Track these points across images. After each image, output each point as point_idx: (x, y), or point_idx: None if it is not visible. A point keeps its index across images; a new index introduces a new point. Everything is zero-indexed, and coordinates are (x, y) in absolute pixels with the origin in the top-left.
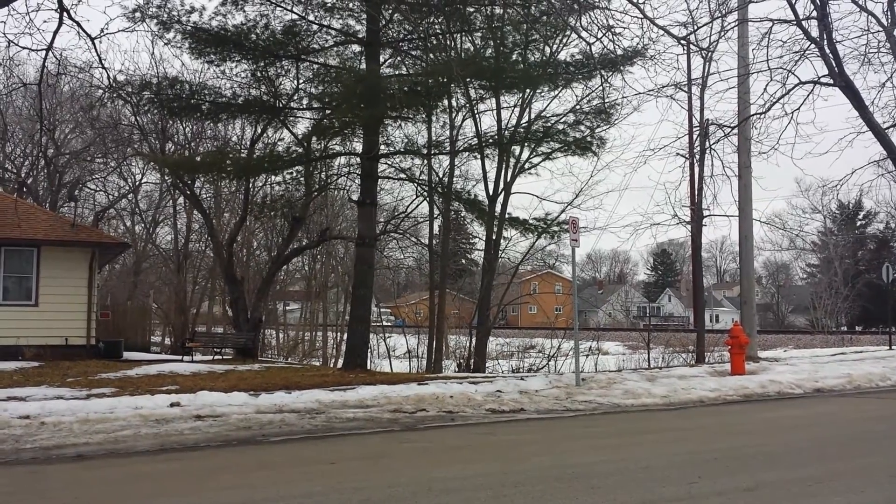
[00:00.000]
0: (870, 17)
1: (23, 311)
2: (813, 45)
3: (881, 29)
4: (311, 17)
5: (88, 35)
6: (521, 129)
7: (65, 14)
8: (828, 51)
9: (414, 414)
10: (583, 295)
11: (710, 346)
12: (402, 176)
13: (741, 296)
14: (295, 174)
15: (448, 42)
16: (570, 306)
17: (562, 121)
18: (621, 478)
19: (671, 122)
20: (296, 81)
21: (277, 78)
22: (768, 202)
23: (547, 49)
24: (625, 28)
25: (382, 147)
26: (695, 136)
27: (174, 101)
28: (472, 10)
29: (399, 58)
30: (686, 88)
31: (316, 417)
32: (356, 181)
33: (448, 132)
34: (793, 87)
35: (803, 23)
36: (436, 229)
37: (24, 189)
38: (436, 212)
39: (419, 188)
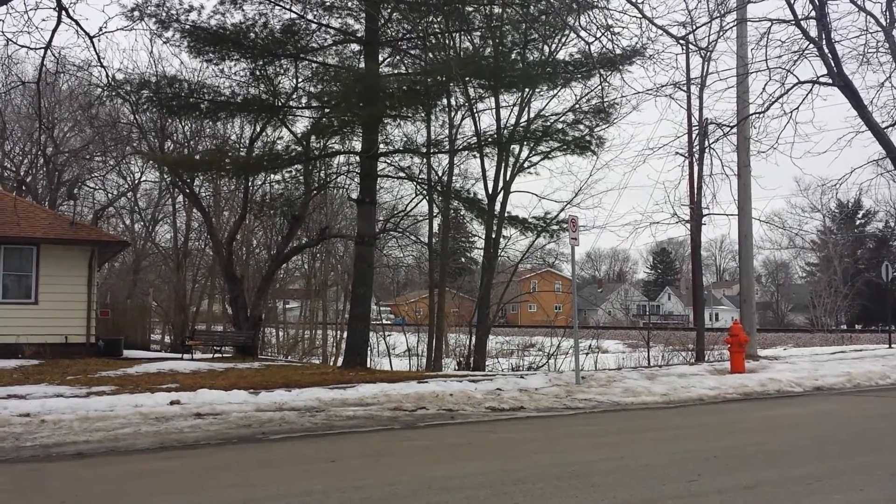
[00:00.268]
0: (868, 17)
1: (22, 310)
2: (812, 45)
3: (880, 29)
4: (309, 16)
5: (87, 33)
6: (521, 128)
7: (63, 12)
8: (826, 51)
9: (414, 412)
10: (582, 293)
11: (710, 344)
12: (402, 175)
13: (741, 294)
14: (294, 173)
15: (447, 41)
16: (569, 305)
17: (561, 120)
18: (621, 476)
19: (670, 122)
20: (295, 80)
21: (276, 77)
22: (768, 201)
23: (546, 48)
24: (623, 28)
25: (382, 146)
26: (694, 136)
27: (173, 100)
28: (470, 9)
29: (398, 57)
30: (685, 88)
31: (316, 415)
32: (355, 180)
33: (447, 131)
34: (792, 87)
35: (802, 23)
36: (435, 228)
37: (24, 187)
38: (435, 210)
39: (418, 187)
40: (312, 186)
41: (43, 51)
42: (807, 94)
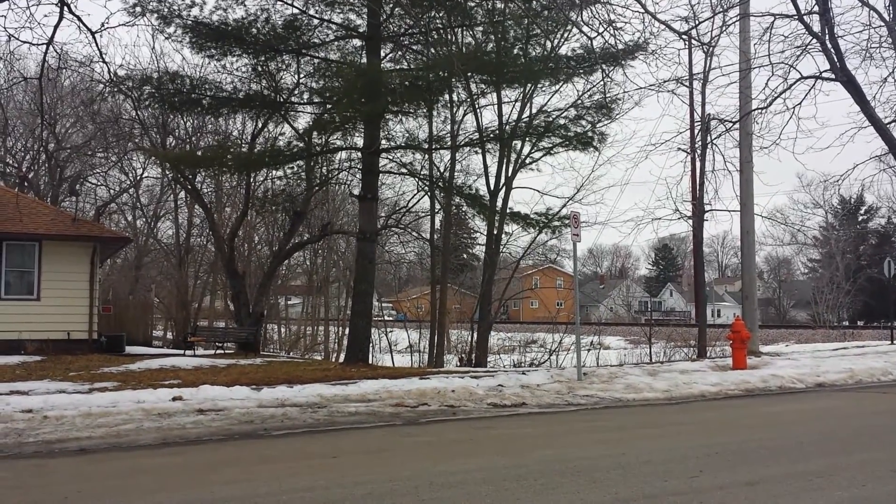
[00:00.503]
0: (871, 11)
1: (25, 306)
2: (814, 40)
3: (883, 24)
4: (311, 12)
5: (89, 29)
6: (523, 124)
7: (65, 8)
8: (829, 46)
9: (416, 408)
10: (584, 289)
11: (712, 340)
12: (404, 170)
13: (743, 290)
14: (296, 169)
15: (449, 36)
16: (571, 301)
17: (563, 115)
18: (623, 472)
19: (672, 117)
20: (297, 76)
21: (278, 72)
22: (770, 197)
23: (548, 44)
24: (626, 23)
25: (383, 142)
26: (696, 131)
27: (175, 96)
28: (473, 4)
29: (400, 52)
30: (687, 83)
31: (318, 412)
32: (357, 176)
33: (449, 127)
34: (794, 82)
35: (805, 17)
36: (437, 224)
37: (26, 183)
38: (437, 206)
39: (420, 183)
40: (314, 182)
41: (45, 46)
42: (809, 90)
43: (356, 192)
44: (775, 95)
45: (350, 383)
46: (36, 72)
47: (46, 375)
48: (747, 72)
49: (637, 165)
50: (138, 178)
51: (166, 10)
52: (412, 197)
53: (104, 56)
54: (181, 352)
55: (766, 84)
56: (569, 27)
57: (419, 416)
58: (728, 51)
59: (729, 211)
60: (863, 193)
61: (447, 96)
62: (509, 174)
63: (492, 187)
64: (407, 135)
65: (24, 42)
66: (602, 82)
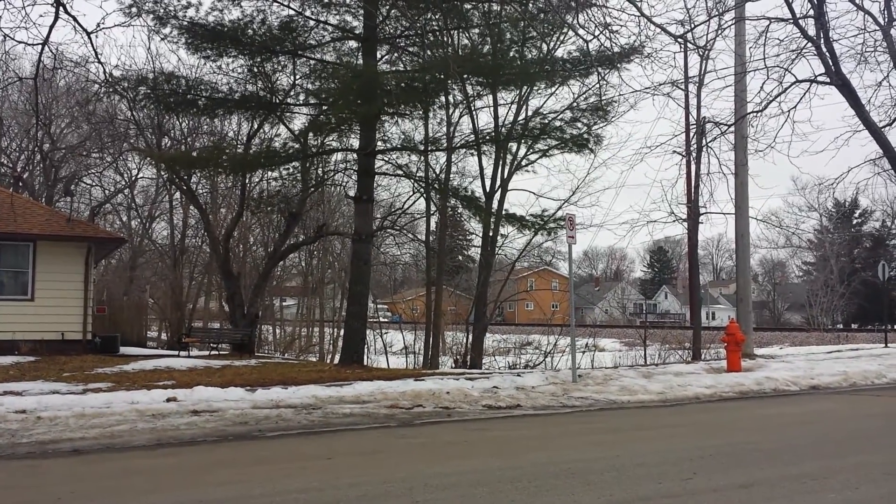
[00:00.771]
0: (867, 15)
1: (19, 306)
2: (810, 44)
3: (878, 28)
4: (307, 13)
5: (84, 29)
6: (518, 126)
7: (61, 8)
8: (824, 49)
9: (410, 410)
10: (579, 292)
11: (707, 343)
12: (399, 172)
13: (737, 293)
14: (291, 170)
15: (445, 38)
16: (566, 303)
17: (559, 118)
18: (617, 474)
19: (668, 120)
20: (292, 77)
21: (274, 74)
22: (765, 200)
23: (544, 46)
24: (622, 26)
25: (379, 143)
26: (691, 134)
27: (170, 97)
28: (469, 6)
29: (396, 54)
30: (683, 86)
31: (312, 413)
32: (353, 177)
33: (445, 129)
34: (789, 86)
35: (800, 21)
36: (433, 226)
37: (20, 184)
38: (433, 208)
39: (416, 185)
40: (310, 184)
41: (40, 47)
42: (804, 93)
43: (352, 193)
44: (770, 99)
45: (345, 385)
46: (31, 72)
47: (40, 376)
48: (742, 75)
49: (632, 168)
50: (133, 178)
51: (162, 10)
52: (408, 199)
53: (100, 56)
54: (176, 353)
55: (762, 87)
56: (565, 30)
57: (414, 418)
58: (723, 54)
59: (724, 214)
60: (857, 197)
61: (443, 98)
62: (505, 176)
63: (487, 189)
64: (403, 136)
65: (20, 42)
66: (598, 85)
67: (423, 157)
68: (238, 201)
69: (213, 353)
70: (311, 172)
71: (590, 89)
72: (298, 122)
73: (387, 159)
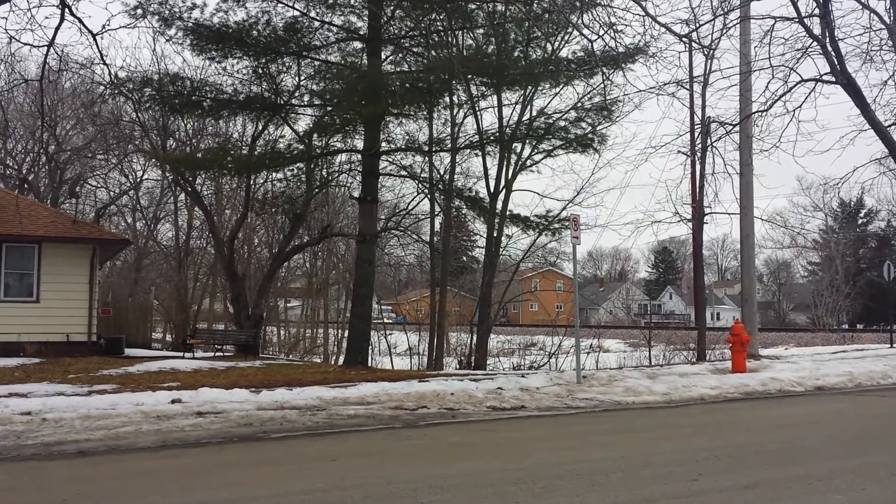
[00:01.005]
0: (872, 14)
1: (24, 308)
2: (815, 43)
3: (883, 27)
4: (312, 14)
5: (90, 31)
6: (523, 127)
7: (66, 10)
8: (830, 48)
9: (415, 411)
10: (584, 292)
11: (711, 343)
12: (404, 173)
13: (742, 293)
14: (296, 171)
15: (450, 39)
16: (571, 304)
17: (563, 118)
18: (622, 475)
19: (673, 120)
20: (297, 78)
21: (279, 75)
22: (770, 200)
23: (549, 46)
24: (627, 25)
25: (384, 144)
26: (696, 134)
27: (175, 98)
28: (473, 6)
29: (401, 54)
30: (688, 86)
31: (317, 414)
32: (357, 178)
33: (449, 129)
34: (795, 85)
35: (805, 20)
36: (437, 226)
37: (26, 185)
38: (437, 209)
39: (420, 185)
40: (314, 185)
41: (46, 48)
42: (810, 93)
43: (356, 194)
44: (775, 98)
45: (349, 386)
46: (36, 74)
47: (45, 378)
48: (748, 74)
49: (637, 168)
50: (138, 180)
51: (167, 12)
52: (412, 199)
53: (105, 58)
54: (180, 354)
55: (767, 87)
56: (569, 30)
57: (418, 419)
58: (728, 54)
59: (729, 214)
60: (863, 196)
61: (447, 98)
62: (509, 176)
63: (492, 190)
64: (407, 137)
65: (25, 44)
66: (602, 85)
67: (427, 158)
68: (243, 202)
69: (217, 354)
70: (315, 173)
71: (594, 89)
72: (303, 124)
73: (391, 160)
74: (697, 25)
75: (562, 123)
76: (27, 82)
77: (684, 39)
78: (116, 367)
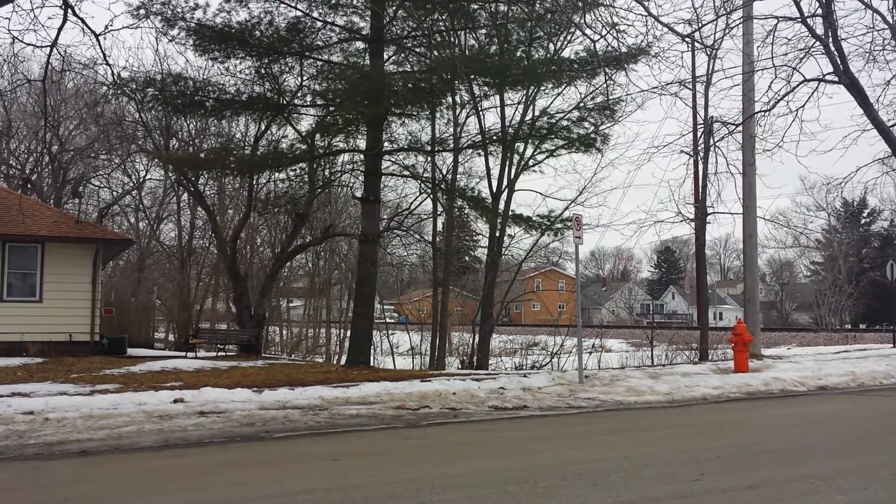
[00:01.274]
0: (875, 14)
1: (27, 308)
2: (818, 43)
3: (886, 27)
4: (315, 14)
5: (93, 32)
6: (525, 127)
7: (69, 11)
8: (833, 48)
9: (417, 411)
10: (586, 292)
11: (714, 343)
12: (406, 173)
13: (745, 293)
14: (299, 171)
15: (452, 39)
16: (573, 303)
17: (566, 118)
18: (624, 475)
19: (675, 120)
20: (300, 78)
21: (281, 75)
22: (772, 200)
23: (551, 46)
24: (629, 25)
25: (386, 144)
26: (699, 134)
27: (178, 98)
28: (476, 6)
29: (403, 55)
30: (690, 86)
31: (319, 414)
32: (360, 178)
33: (452, 129)
34: (797, 85)
35: (808, 20)
36: (439, 226)
37: (29, 185)
38: (439, 209)
39: (423, 185)
40: (317, 185)
41: (49, 49)
42: (813, 92)
43: (359, 194)
44: (778, 98)
45: (351, 385)
46: (40, 74)
47: (48, 377)
48: (750, 74)
49: (639, 168)
50: (141, 180)
51: (170, 12)
52: (414, 199)
53: (108, 58)
54: (183, 354)
55: (770, 87)
56: (572, 30)
57: (420, 419)
58: (731, 53)
59: (731, 213)
60: (866, 196)
61: (450, 99)
62: (512, 176)
63: (494, 190)
64: (410, 137)
65: (28, 44)
66: (605, 85)
67: (429, 158)
68: (245, 202)
69: (220, 354)
70: (318, 173)
71: (597, 89)
72: (306, 124)
73: (394, 160)
74: (700, 25)
75: (564, 123)
76: (30, 83)
77: (687, 39)
78: (119, 366)
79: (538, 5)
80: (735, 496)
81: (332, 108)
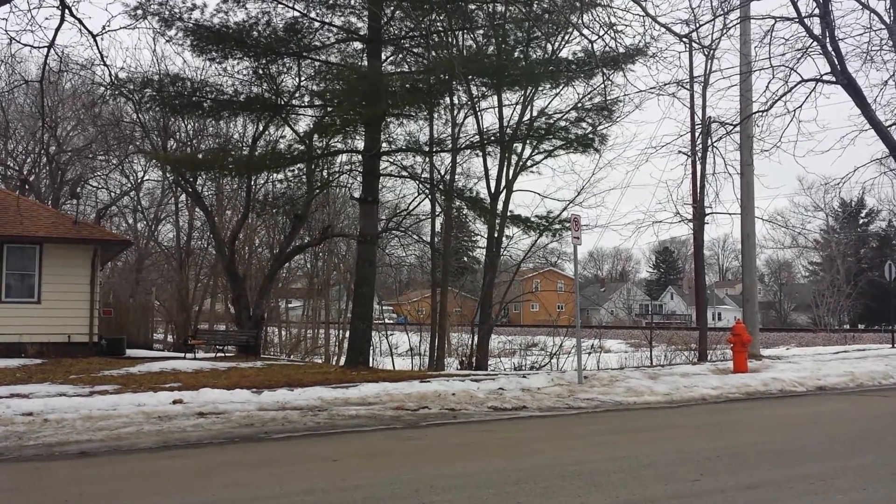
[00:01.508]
0: (872, 14)
1: (25, 309)
2: (815, 43)
3: (884, 27)
4: (312, 15)
5: (90, 32)
6: (523, 127)
7: (66, 11)
8: (830, 48)
9: (416, 411)
10: (585, 293)
11: (713, 344)
12: (404, 173)
13: (743, 294)
14: (297, 172)
15: (450, 39)
16: (572, 304)
17: (564, 118)
18: (624, 475)
19: (673, 120)
20: (297, 79)
21: (279, 75)
22: (770, 200)
23: (549, 46)
24: (627, 26)
25: (384, 144)
26: (697, 134)
27: (176, 99)
28: (473, 7)
29: (401, 55)
30: (688, 86)
31: (318, 415)
32: (358, 179)
33: (450, 130)
34: (795, 85)
35: (806, 20)
36: (437, 227)
37: (27, 186)
38: (437, 209)
39: (421, 186)
40: (315, 185)
41: (46, 49)
42: (810, 93)
43: (357, 194)
44: (776, 98)
45: (350, 386)
46: (37, 75)
47: (47, 378)
48: (748, 75)
49: (637, 168)
50: (139, 180)
51: (167, 13)
52: (413, 200)
53: (105, 59)
54: (182, 355)
55: (767, 87)
56: (569, 30)
57: (420, 420)
58: (729, 54)
59: (729, 214)
60: (863, 196)
61: (448, 99)
62: (510, 177)
63: (492, 190)
64: (408, 138)
65: (26, 45)
66: (603, 85)
67: (427, 159)
68: (243, 203)
69: (218, 354)
70: (316, 174)
71: (595, 89)
72: (303, 124)
73: (392, 160)
74: (697, 26)
75: (562, 123)
76: (28, 83)
77: (684, 40)
78: (118, 367)
79: (536, 5)
80: (734, 496)
81: (329, 109)
